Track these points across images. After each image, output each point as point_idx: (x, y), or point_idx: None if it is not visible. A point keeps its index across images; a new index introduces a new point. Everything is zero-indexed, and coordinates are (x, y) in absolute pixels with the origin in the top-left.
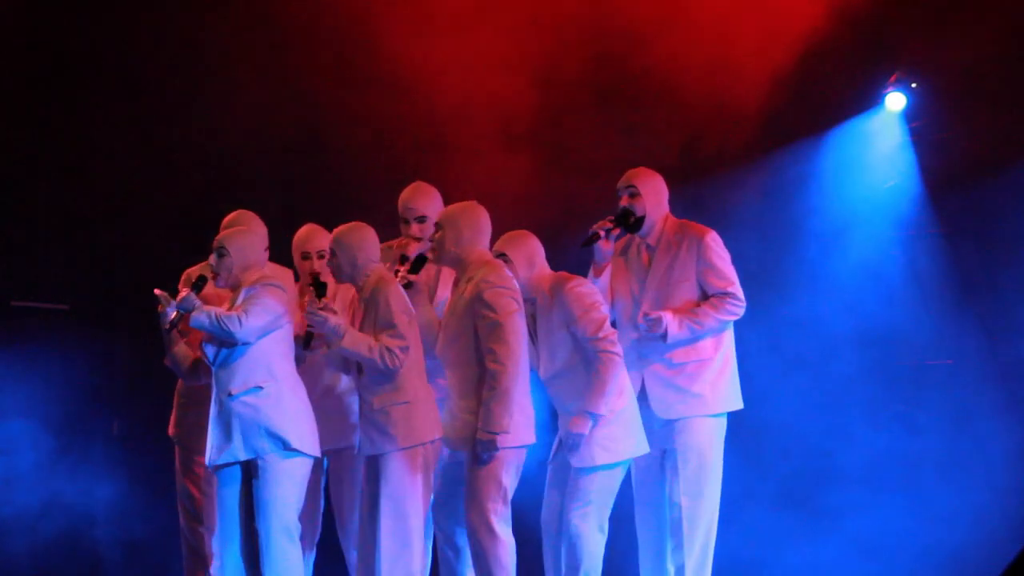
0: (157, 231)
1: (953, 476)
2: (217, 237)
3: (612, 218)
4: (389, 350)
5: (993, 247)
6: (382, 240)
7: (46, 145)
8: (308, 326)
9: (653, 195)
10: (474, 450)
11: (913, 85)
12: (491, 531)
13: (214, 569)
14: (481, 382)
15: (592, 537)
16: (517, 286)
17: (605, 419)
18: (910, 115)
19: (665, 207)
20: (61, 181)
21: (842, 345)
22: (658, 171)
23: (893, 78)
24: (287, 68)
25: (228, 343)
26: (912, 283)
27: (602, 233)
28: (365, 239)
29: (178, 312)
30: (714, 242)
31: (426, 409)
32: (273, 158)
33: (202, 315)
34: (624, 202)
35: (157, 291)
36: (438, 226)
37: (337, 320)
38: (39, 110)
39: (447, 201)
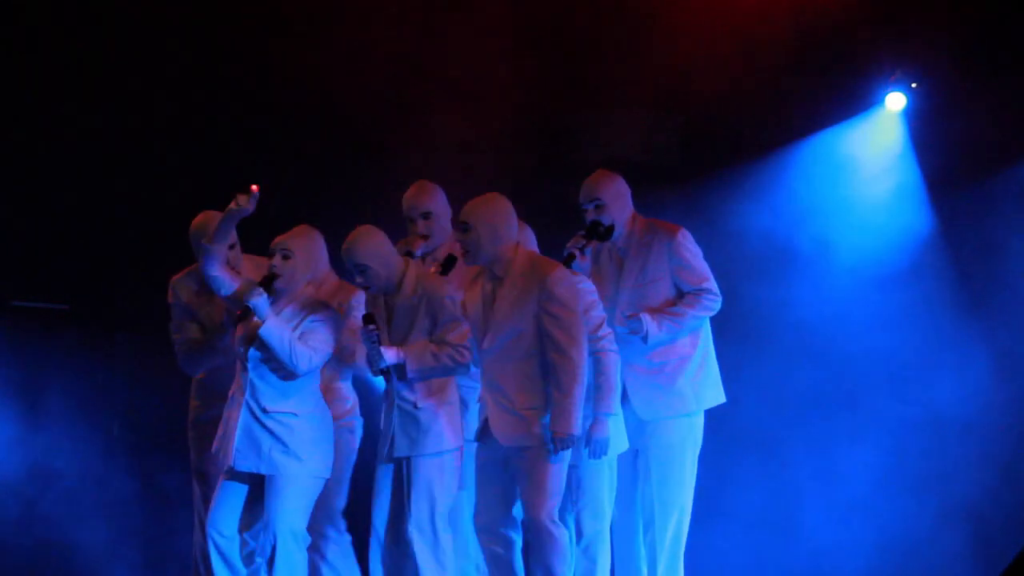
0: (158, 231)
1: (950, 479)
2: (280, 239)
3: (583, 233)
4: (458, 348)
5: (993, 247)
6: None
7: (45, 145)
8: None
9: (617, 201)
10: (547, 446)
11: (913, 85)
12: (558, 525)
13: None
14: (545, 379)
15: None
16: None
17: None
18: (910, 115)
19: (630, 208)
20: (61, 181)
21: (841, 343)
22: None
23: (893, 78)
24: (294, 68)
25: (282, 366)
26: (911, 283)
27: (577, 252)
28: (387, 243)
29: (245, 307)
30: (685, 239)
31: (459, 411)
32: (271, 158)
33: (276, 332)
34: (590, 215)
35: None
36: (467, 226)
37: (395, 354)
38: (39, 109)
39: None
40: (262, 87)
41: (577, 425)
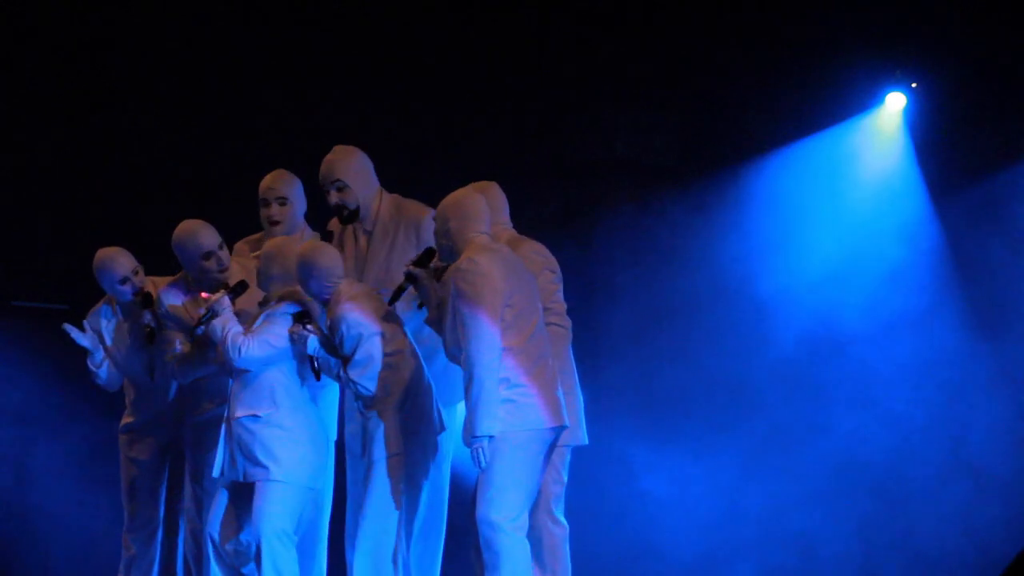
0: (158, 232)
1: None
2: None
3: (337, 221)
4: (352, 383)
5: (993, 246)
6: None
7: (46, 145)
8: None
9: (360, 179)
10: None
11: (913, 85)
12: (492, 525)
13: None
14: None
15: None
16: (489, 268)
17: None
18: (910, 115)
19: (375, 183)
20: (61, 181)
21: (841, 343)
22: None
23: (893, 78)
24: (289, 65)
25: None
26: (909, 281)
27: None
28: (329, 259)
29: (208, 310)
30: (432, 221)
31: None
32: (269, 157)
33: (218, 325)
34: (333, 199)
35: (204, 295)
36: (441, 219)
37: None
38: (39, 110)
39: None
40: (259, 84)
41: (479, 427)
